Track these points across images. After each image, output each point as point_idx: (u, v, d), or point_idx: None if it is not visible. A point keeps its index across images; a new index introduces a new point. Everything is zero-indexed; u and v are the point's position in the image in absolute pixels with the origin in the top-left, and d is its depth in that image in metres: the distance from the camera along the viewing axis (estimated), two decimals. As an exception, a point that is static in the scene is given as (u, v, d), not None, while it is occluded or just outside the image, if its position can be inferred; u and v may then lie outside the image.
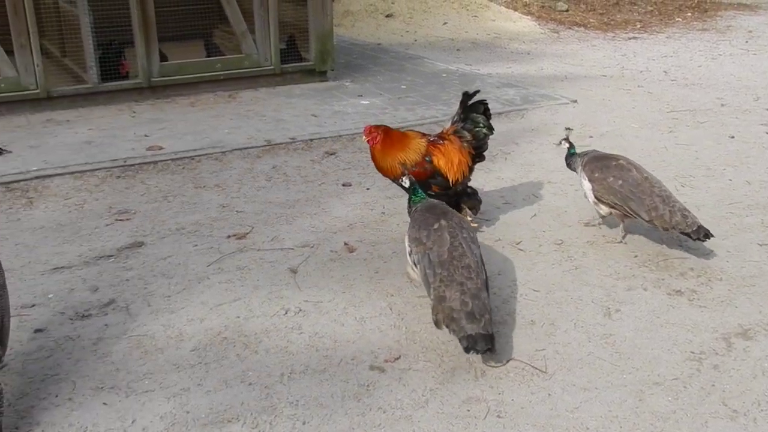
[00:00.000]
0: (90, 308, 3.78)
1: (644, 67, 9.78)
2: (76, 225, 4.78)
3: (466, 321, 3.18)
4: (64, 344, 3.46)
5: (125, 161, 5.83)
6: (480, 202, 4.62)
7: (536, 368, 3.32)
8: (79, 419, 2.97)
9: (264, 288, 4.00)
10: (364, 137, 4.31)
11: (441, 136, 4.43)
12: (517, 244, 4.57)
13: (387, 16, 12.52)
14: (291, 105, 7.50)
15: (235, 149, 6.17)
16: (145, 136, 6.46)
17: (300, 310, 3.79)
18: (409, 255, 3.59)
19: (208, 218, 4.89)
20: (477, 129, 4.34)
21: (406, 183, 3.94)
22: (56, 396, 3.10)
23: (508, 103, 7.66)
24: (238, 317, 3.71)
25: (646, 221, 4.32)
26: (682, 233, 4.26)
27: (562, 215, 5.00)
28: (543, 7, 14.54)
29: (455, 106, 4.42)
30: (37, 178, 5.47)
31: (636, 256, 4.40)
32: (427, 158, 4.30)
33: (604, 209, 4.49)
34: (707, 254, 4.41)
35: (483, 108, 4.39)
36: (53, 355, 3.38)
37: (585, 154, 4.65)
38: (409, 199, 3.92)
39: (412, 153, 4.29)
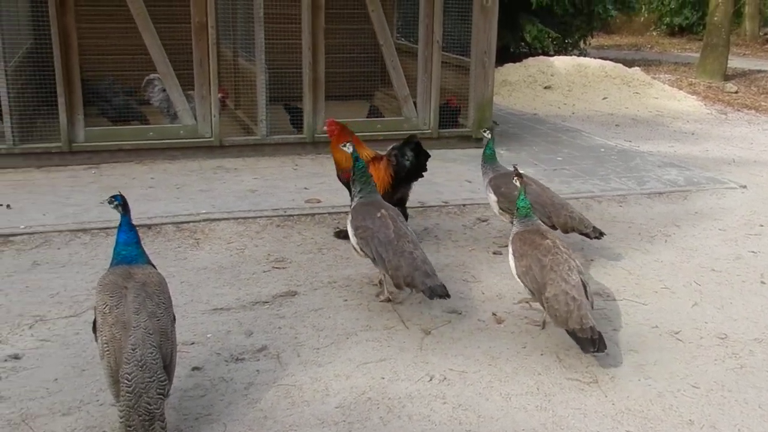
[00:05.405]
0: (244, 352, 3.92)
1: (822, 155, 9.14)
2: (236, 269, 5.01)
3: (424, 278, 4.08)
4: (218, 385, 3.61)
5: (285, 211, 6.09)
6: (406, 218, 5.26)
7: (695, 473, 3.09)
8: (226, 461, 3.05)
9: (410, 351, 4.00)
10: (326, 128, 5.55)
11: (381, 156, 5.33)
12: (676, 333, 4.32)
13: (545, 87, 12.50)
14: (446, 169, 7.58)
15: (389, 209, 6.29)
16: (305, 188, 6.74)
17: (444, 378, 3.74)
18: (354, 237, 4.44)
19: (359, 274, 4.98)
20: (401, 158, 5.25)
21: (350, 149, 4.68)
22: (207, 435, 3.21)
23: (670, 183, 7.36)
24: (383, 378, 3.72)
25: (549, 225, 4.93)
26: (581, 233, 5.11)
27: (727, 306, 4.70)
28: (710, 87, 14.01)
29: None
30: (204, 221, 5.81)
31: (811, 362, 4.04)
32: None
33: (508, 218, 5.18)
34: None
35: (413, 145, 5.27)
36: (207, 395, 3.52)
37: (495, 169, 5.41)
38: (354, 165, 4.65)
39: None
